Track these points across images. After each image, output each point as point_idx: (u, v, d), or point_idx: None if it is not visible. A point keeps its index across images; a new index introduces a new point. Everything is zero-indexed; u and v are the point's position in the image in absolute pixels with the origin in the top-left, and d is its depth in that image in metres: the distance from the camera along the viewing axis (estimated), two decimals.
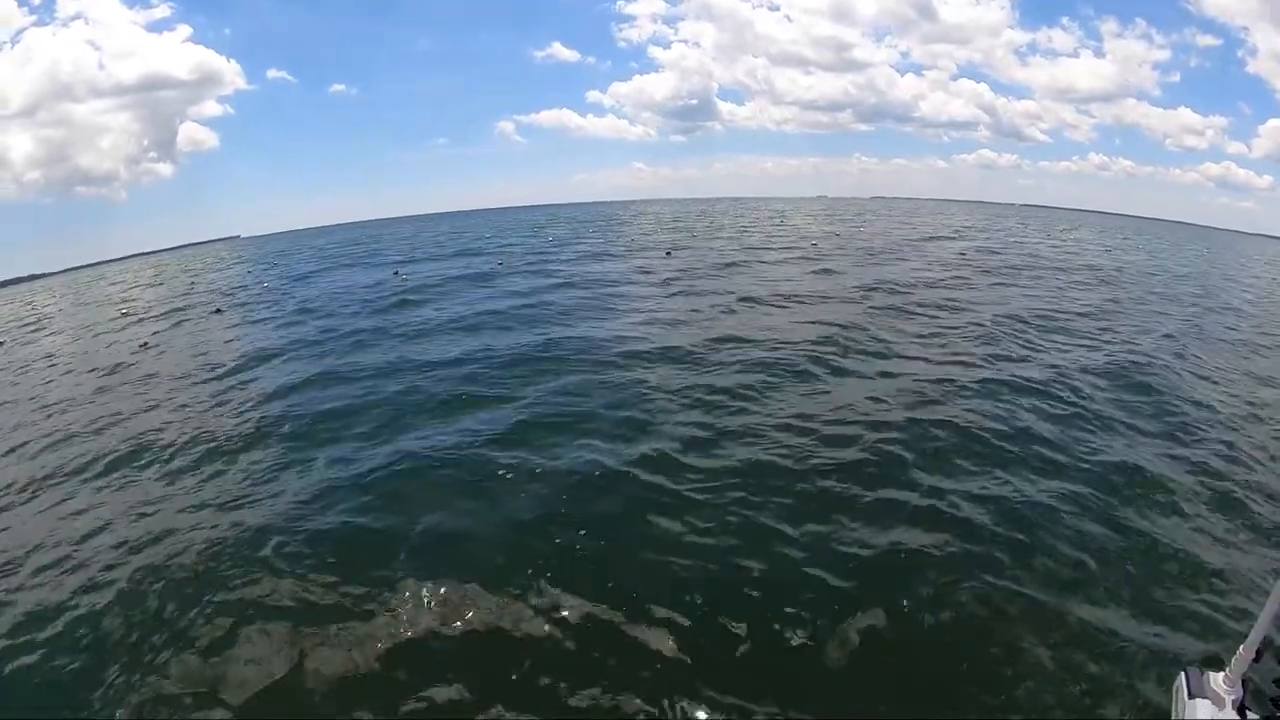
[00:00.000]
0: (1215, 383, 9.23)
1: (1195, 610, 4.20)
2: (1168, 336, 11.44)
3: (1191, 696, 1.62)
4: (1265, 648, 1.56)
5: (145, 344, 14.78)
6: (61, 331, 21.24)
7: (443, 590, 4.29)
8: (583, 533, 4.90)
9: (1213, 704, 1.59)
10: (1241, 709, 1.58)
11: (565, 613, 4.09)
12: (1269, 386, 9.34)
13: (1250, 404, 8.39)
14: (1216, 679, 1.63)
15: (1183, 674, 1.70)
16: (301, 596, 4.44)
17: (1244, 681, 1.61)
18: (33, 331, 22.20)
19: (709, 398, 7.59)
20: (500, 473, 5.85)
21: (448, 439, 6.72)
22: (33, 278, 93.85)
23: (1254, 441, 7.05)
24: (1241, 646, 1.61)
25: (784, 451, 6.12)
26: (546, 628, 3.99)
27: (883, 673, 3.65)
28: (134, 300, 26.12)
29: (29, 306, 33.84)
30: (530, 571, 4.45)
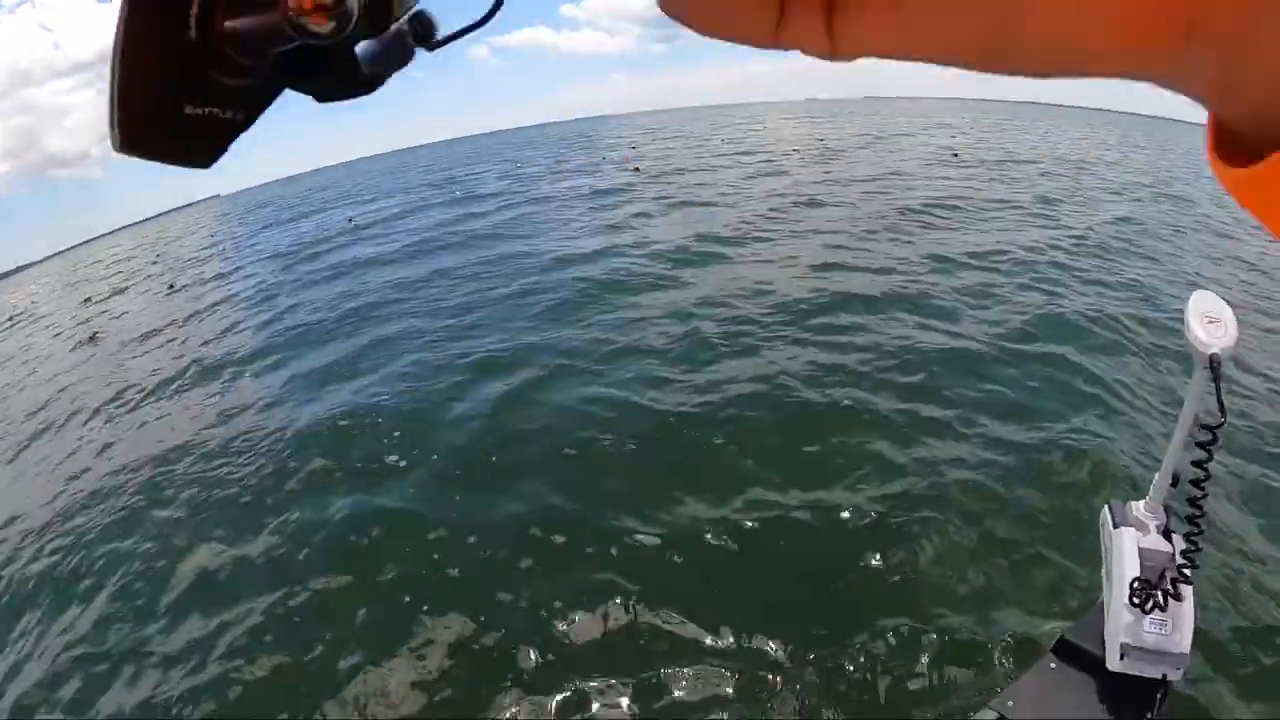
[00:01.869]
0: None
1: None
2: None
3: (1117, 526, 1.70)
4: (1180, 471, 1.62)
5: (93, 336, 14.49)
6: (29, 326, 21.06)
7: None
8: None
9: (1138, 531, 1.67)
10: (1165, 532, 1.67)
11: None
12: None
13: None
14: (1138, 507, 1.71)
15: (1106, 506, 1.78)
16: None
17: (1165, 508, 1.69)
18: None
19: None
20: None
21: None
22: (18, 269, 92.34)
23: None
24: (1157, 474, 1.68)
25: None
26: None
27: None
28: (99, 283, 25.64)
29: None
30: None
